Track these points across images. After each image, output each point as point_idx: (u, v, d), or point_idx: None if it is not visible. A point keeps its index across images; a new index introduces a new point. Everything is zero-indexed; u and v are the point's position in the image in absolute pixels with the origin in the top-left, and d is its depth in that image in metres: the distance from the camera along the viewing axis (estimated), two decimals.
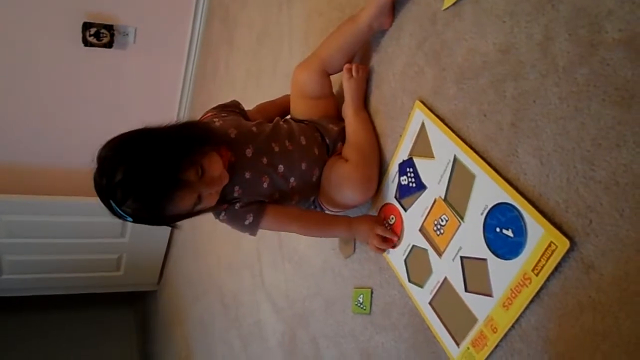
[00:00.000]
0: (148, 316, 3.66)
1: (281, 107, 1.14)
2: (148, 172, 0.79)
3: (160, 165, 0.79)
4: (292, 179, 0.98)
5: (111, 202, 0.80)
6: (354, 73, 0.99)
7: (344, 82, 1.00)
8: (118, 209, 0.80)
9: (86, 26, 2.22)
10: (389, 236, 0.95)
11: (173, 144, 0.83)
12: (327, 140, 1.02)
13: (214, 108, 1.06)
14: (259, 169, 0.95)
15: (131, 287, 3.36)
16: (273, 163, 0.96)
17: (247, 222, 0.95)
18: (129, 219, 0.82)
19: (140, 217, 0.82)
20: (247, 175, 0.94)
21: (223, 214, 0.96)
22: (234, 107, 1.07)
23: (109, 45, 2.30)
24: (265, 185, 0.95)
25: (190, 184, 0.81)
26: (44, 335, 3.47)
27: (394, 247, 0.95)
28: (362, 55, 1.05)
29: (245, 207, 0.94)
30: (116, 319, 3.83)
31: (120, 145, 0.82)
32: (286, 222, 0.99)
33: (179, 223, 0.90)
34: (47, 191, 2.62)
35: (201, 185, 0.83)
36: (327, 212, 1.05)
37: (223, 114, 1.02)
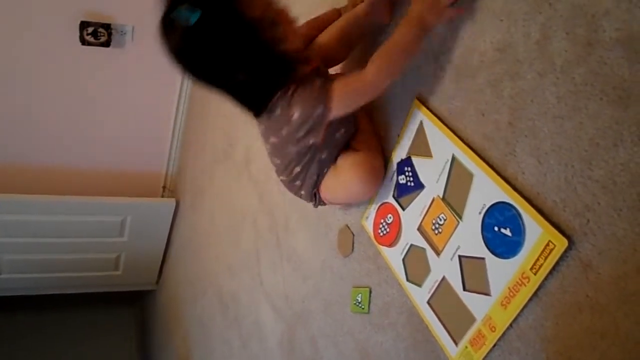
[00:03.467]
0: (147, 316, 3.66)
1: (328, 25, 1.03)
2: None
3: None
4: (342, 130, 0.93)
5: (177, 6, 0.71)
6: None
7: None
8: (183, 10, 0.70)
9: (83, 25, 2.22)
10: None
11: None
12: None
13: None
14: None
15: (130, 287, 3.36)
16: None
17: (318, 84, 0.82)
18: (196, 14, 0.70)
19: (207, 15, 0.71)
20: (318, 83, 0.84)
21: (291, 88, 0.82)
22: None
23: (107, 44, 2.29)
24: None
25: None
26: (42, 335, 3.47)
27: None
28: (361, 52, 1.04)
29: (315, 75, 0.84)
30: (115, 319, 3.82)
31: None
32: (353, 73, 0.83)
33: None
34: (45, 190, 2.61)
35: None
36: (321, 204, 1.04)
37: None
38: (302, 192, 1.05)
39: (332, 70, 1.04)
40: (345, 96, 0.84)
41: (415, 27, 0.79)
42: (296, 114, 0.84)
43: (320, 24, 1.02)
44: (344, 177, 0.95)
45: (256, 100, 0.88)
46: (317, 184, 1.02)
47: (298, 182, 1.05)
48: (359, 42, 1.02)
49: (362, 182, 0.94)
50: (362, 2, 0.97)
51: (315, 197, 1.05)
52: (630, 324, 0.55)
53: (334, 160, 0.97)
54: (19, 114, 2.42)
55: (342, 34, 0.98)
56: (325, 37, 1.00)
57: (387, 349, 0.97)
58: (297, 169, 1.03)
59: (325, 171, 0.99)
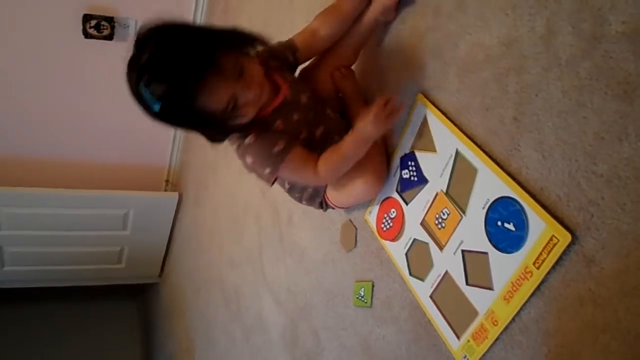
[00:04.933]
0: (149, 309, 3.68)
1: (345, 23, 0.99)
2: (182, 49, 0.71)
3: (196, 44, 0.72)
4: (321, 147, 0.95)
5: (140, 85, 0.72)
6: (340, 76, 0.99)
7: (339, 83, 1.00)
8: (146, 93, 0.72)
9: (86, 18, 2.21)
10: (390, 104, 0.84)
11: (216, 32, 0.77)
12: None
13: (271, 45, 0.97)
14: (306, 118, 0.93)
15: (133, 280, 3.37)
16: (317, 121, 0.94)
17: (275, 149, 0.85)
18: (156, 106, 0.73)
19: (167, 105, 0.73)
20: (295, 117, 0.91)
21: (252, 135, 0.86)
22: (288, 51, 0.97)
23: (110, 37, 2.29)
24: (301, 137, 0.92)
25: (225, 72, 0.74)
26: (44, 328, 3.49)
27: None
28: (364, 47, 1.04)
29: (279, 133, 0.87)
30: (117, 312, 3.84)
31: (158, 26, 0.75)
32: (309, 162, 0.89)
33: (205, 136, 0.83)
34: (48, 183, 2.62)
35: (238, 85, 0.76)
36: (331, 208, 1.05)
37: (278, 56, 0.96)
38: (304, 202, 1.08)
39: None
40: (293, 173, 0.90)
41: (360, 141, 0.87)
42: (249, 162, 0.88)
43: (344, 17, 0.96)
44: (347, 181, 0.95)
45: (217, 141, 0.91)
46: (319, 193, 1.03)
47: (297, 194, 1.07)
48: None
49: (366, 184, 0.94)
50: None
51: (321, 204, 1.05)
52: (632, 317, 0.55)
53: None
54: (22, 107, 2.42)
55: (357, 44, 0.99)
56: (342, 50, 0.99)
57: (389, 342, 0.97)
58: (288, 185, 1.05)
59: (320, 195, 1.01)
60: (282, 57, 0.96)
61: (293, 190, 1.07)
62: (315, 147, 0.93)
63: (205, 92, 0.74)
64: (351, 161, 0.89)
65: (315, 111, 0.95)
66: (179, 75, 0.72)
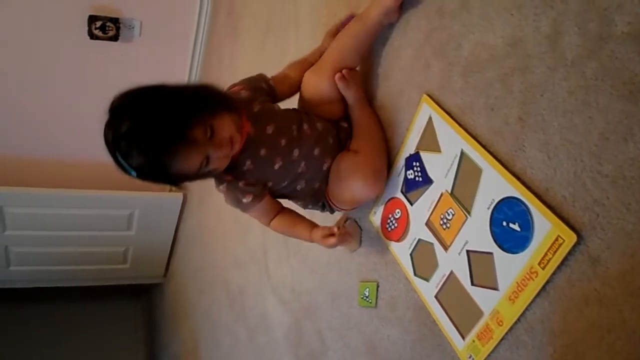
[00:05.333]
0: (154, 309, 3.69)
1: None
2: (154, 125, 0.77)
3: (167, 119, 0.78)
4: (302, 164, 0.97)
5: (117, 154, 0.79)
6: (348, 78, 0.98)
7: (343, 90, 0.99)
8: (123, 162, 0.79)
9: (92, 19, 2.23)
10: (329, 232, 0.96)
11: (185, 100, 0.82)
12: (342, 136, 1.02)
13: (242, 81, 1.03)
14: (275, 148, 0.94)
15: (137, 280, 3.39)
16: (290, 146, 0.95)
17: (245, 201, 0.95)
18: (133, 173, 0.81)
19: (143, 173, 0.81)
20: (263, 152, 0.93)
21: (225, 184, 0.95)
22: (260, 81, 1.03)
23: (115, 38, 2.30)
24: (276, 166, 0.95)
25: (197, 142, 0.80)
26: (50, 327, 3.50)
27: (400, 240, 0.96)
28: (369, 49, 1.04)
29: (248, 186, 0.94)
30: (122, 312, 3.86)
31: (131, 96, 0.81)
32: (270, 214, 1.01)
33: (186, 184, 0.91)
34: (53, 184, 2.63)
35: (209, 147, 0.81)
36: (335, 210, 1.05)
37: (251, 87, 1.00)
38: (310, 207, 1.09)
39: None
40: (256, 217, 1.03)
41: (310, 238, 1.00)
42: (225, 199, 0.99)
43: (299, 70, 1.06)
44: (345, 182, 0.95)
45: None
46: (321, 196, 1.03)
47: (300, 203, 1.08)
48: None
49: (364, 185, 0.93)
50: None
51: (324, 207, 1.06)
52: (637, 317, 0.55)
53: (324, 180, 1.01)
54: (27, 108, 2.44)
55: (358, 46, 0.98)
56: (338, 52, 0.99)
57: (394, 342, 0.97)
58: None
59: (319, 185, 1.02)
60: (254, 86, 1.00)
61: (294, 199, 1.08)
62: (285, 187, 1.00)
63: (178, 161, 0.80)
64: (293, 237, 1.06)
65: (288, 137, 0.95)
66: (153, 150, 0.78)
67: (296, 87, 1.05)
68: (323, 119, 1.02)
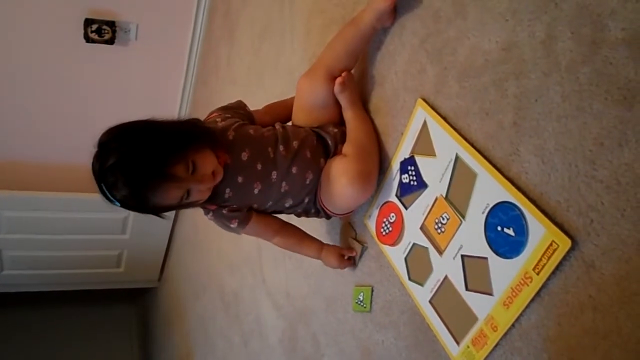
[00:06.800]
0: (148, 313, 3.67)
1: (291, 108, 1.11)
2: (137, 162, 0.82)
3: (149, 157, 0.82)
4: (283, 184, 0.98)
5: (102, 185, 0.84)
6: (346, 82, 0.98)
7: (338, 94, 0.99)
8: (108, 193, 0.84)
9: (88, 22, 2.22)
10: (349, 254, 1.07)
11: (167, 137, 0.86)
12: (329, 142, 1.02)
13: (219, 109, 1.06)
14: (252, 174, 0.95)
15: (131, 284, 3.37)
16: (267, 169, 0.96)
17: (232, 226, 0.99)
18: (117, 203, 0.85)
19: (126, 204, 0.85)
20: (240, 179, 0.95)
21: (211, 213, 0.99)
22: (238, 109, 1.07)
23: (111, 41, 2.30)
24: (256, 191, 0.96)
25: (178, 178, 0.84)
26: (43, 331, 3.48)
27: (393, 244, 0.95)
28: (363, 53, 1.04)
29: (232, 212, 0.98)
30: (116, 316, 3.84)
31: (118, 132, 0.86)
32: (266, 233, 1.06)
33: (167, 213, 0.93)
34: (48, 187, 2.62)
35: (191, 181, 0.86)
36: (331, 216, 1.05)
37: (227, 115, 1.03)
38: (303, 216, 1.09)
39: None
40: (254, 236, 1.09)
41: (316, 253, 1.10)
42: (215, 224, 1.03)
43: (279, 109, 1.14)
44: (333, 185, 0.95)
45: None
46: (313, 202, 1.02)
47: (298, 212, 1.07)
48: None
49: (351, 187, 0.92)
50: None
51: (318, 213, 1.05)
52: (632, 324, 0.55)
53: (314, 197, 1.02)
54: (22, 111, 2.43)
55: (352, 50, 0.98)
56: (331, 56, 1.00)
57: (388, 347, 0.97)
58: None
59: (314, 202, 1.03)
60: (231, 112, 1.04)
61: (289, 210, 1.07)
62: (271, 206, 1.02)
63: (158, 195, 0.85)
64: (303, 254, 1.13)
65: (264, 161, 0.96)
66: (135, 184, 0.83)
67: (277, 118, 1.10)
68: (300, 134, 1.01)
